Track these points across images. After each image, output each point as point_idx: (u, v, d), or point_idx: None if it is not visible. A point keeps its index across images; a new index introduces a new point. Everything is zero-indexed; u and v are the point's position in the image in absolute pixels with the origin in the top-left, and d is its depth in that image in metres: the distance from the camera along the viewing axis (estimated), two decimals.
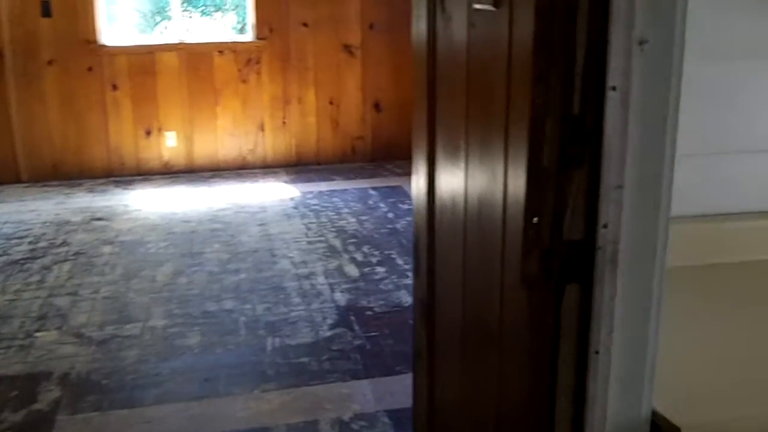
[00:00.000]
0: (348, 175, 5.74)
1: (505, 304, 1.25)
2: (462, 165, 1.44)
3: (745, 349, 1.32)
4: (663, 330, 1.11)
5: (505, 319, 1.26)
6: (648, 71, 1.00)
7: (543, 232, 1.07)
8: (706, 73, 1.61)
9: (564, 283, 1.08)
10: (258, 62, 5.84)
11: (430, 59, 1.60)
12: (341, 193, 5.27)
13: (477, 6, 1.29)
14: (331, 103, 6.02)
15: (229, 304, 3.48)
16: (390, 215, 4.76)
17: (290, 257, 4.07)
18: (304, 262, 3.99)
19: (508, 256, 1.20)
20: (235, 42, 5.97)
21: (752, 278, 1.61)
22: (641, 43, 0.99)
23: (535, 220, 1.07)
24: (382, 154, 6.04)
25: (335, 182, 5.55)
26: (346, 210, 4.88)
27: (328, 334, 3.18)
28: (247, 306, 3.46)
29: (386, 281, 3.72)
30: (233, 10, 7.50)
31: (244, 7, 6.25)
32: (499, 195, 1.21)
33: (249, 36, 5.93)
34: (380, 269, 3.88)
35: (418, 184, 1.70)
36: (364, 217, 4.73)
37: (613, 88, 1.00)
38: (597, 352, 1.10)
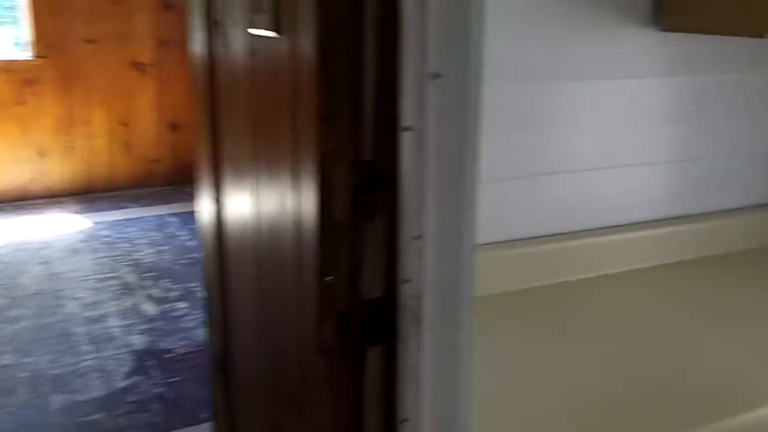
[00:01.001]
0: (144, 201, 5.38)
1: (304, 368, 1.11)
2: (251, 209, 1.29)
3: (563, 378, 1.27)
4: (476, 375, 1.02)
5: (306, 383, 1.12)
6: (444, 108, 0.90)
7: (338, 292, 0.94)
8: (502, 96, 1.57)
9: (366, 346, 0.96)
10: (37, 83, 5.35)
11: (210, 87, 1.44)
12: (137, 221, 4.92)
13: (254, 32, 1.14)
14: (122, 124, 5.64)
15: (6, 359, 3.09)
16: (190, 243, 4.48)
17: (78, 298, 3.70)
18: (95, 304, 3.64)
19: (302, 317, 1.06)
20: (10, 61, 5.42)
21: (558, 302, 1.58)
22: (435, 77, 0.88)
23: (329, 279, 0.94)
24: (180, 177, 5.73)
25: (130, 210, 5.18)
26: (143, 240, 4.55)
27: (124, 384, 2.90)
28: (29, 359, 3.08)
29: (188, 318, 3.47)
30: (12, 24, 6.86)
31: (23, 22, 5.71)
32: (289, 248, 1.07)
33: (27, 54, 5.41)
34: (181, 305, 3.62)
35: (204, 220, 1.53)
36: (162, 248, 4.43)
37: (407, 129, 0.89)
38: (405, 420, 0.98)
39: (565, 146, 1.68)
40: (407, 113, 0.89)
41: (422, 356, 0.96)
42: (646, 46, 1.70)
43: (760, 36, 1.42)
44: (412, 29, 0.86)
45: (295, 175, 1.04)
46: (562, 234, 1.73)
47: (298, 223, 1.05)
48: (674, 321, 1.53)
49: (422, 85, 0.88)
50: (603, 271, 1.75)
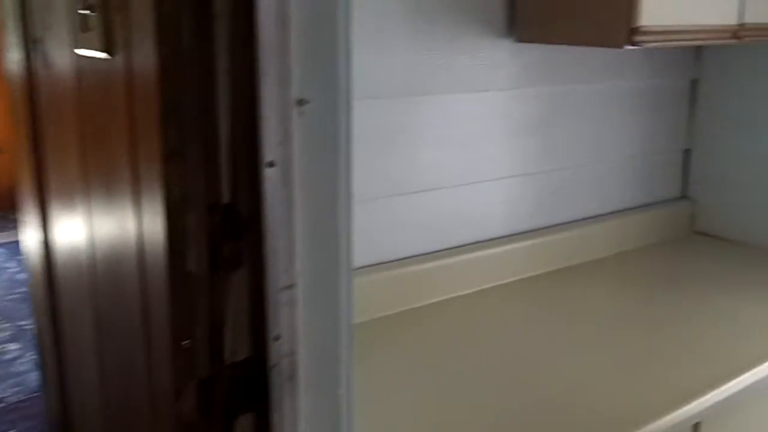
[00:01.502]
0: None
1: None
2: (86, 246, 1.12)
3: (442, 406, 1.18)
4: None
5: None
6: (311, 138, 0.79)
7: (198, 356, 0.80)
8: (362, 113, 1.47)
9: (233, 417, 0.83)
10: None
11: (31, 109, 1.25)
12: None
13: (81, 52, 0.98)
14: None
15: None
16: (21, 276, 4.10)
17: None
18: None
19: (155, 383, 0.91)
20: None
21: (431, 324, 1.50)
22: (300, 103, 0.77)
23: (186, 343, 0.80)
24: (5, 203, 5.25)
25: None
26: None
27: None
28: None
29: (21, 361, 3.15)
30: None
31: None
32: (135, 301, 0.91)
33: None
34: (12, 346, 3.28)
35: (31, 254, 1.33)
36: None
37: (271, 164, 0.77)
38: None
39: (429, 163, 1.61)
40: (269, 146, 0.77)
41: (299, 422, 0.84)
42: (504, 58, 1.66)
43: (617, 47, 1.40)
44: (271, 49, 0.74)
45: (139, 218, 0.89)
46: (433, 253, 1.66)
47: (144, 274, 0.90)
48: (546, 333, 1.50)
49: (285, 112, 0.76)
50: (474, 287, 1.70)
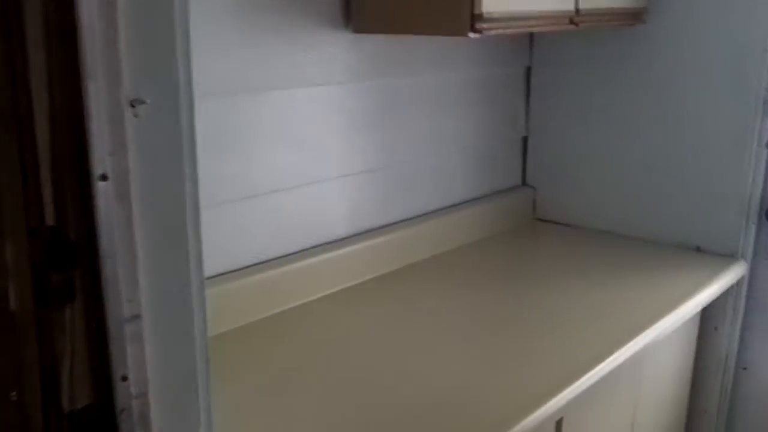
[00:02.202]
0: None
1: None
2: None
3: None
4: None
5: None
6: (149, 144, 0.68)
7: (30, 410, 0.67)
8: (198, 113, 1.36)
9: None
10: None
11: None
12: None
13: None
14: None
15: None
16: None
17: None
18: None
19: None
20: None
21: (283, 333, 1.42)
22: (135, 104, 0.66)
23: (14, 395, 0.67)
24: None
25: None
26: None
27: None
28: None
29: None
30: None
31: None
32: None
33: None
34: None
35: None
36: None
37: (103, 177, 0.65)
38: None
39: (271, 163, 1.52)
40: (100, 156, 0.65)
41: None
42: (341, 51, 1.60)
43: (460, 35, 1.38)
44: (95, 41, 0.62)
45: None
46: (278, 258, 1.57)
47: None
48: (402, 335, 1.45)
49: (117, 115, 0.65)
50: (324, 291, 1.63)
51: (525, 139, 2.15)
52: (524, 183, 2.18)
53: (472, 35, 1.36)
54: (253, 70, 1.44)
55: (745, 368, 1.98)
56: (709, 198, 1.89)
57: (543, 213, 2.17)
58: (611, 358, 1.36)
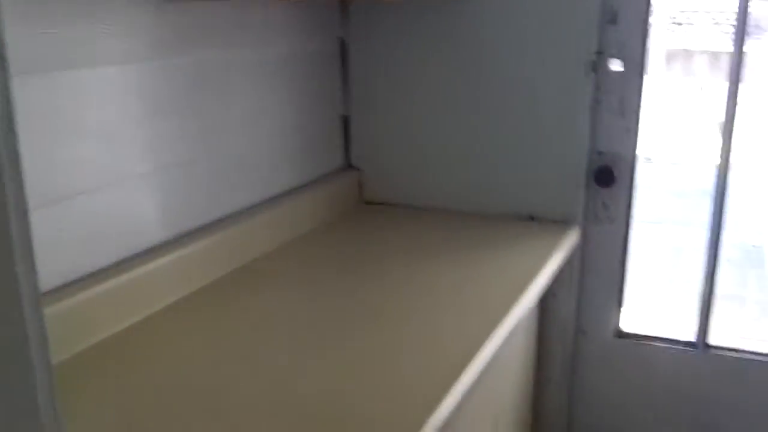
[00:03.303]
0: None
1: None
2: None
3: None
4: None
5: None
6: None
7: None
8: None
9: None
10: None
11: None
12: None
13: None
14: None
15: None
16: None
17: None
18: None
19: None
20: None
21: (114, 359, 1.17)
22: None
23: None
24: None
25: None
26: None
27: None
28: None
29: None
30: None
31: None
32: None
33: None
34: None
35: None
36: None
37: None
38: None
39: (71, 159, 1.25)
40: None
41: None
42: (144, 22, 1.36)
43: None
44: None
45: None
46: (89, 276, 1.30)
47: None
48: (241, 345, 1.25)
49: None
50: (143, 312, 1.38)
51: (346, 119, 2.01)
52: (349, 165, 2.05)
53: None
54: (41, 47, 1.17)
55: (584, 332, 1.99)
56: (540, 166, 1.87)
57: (371, 195, 2.05)
58: (488, 344, 1.25)
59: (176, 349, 1.25)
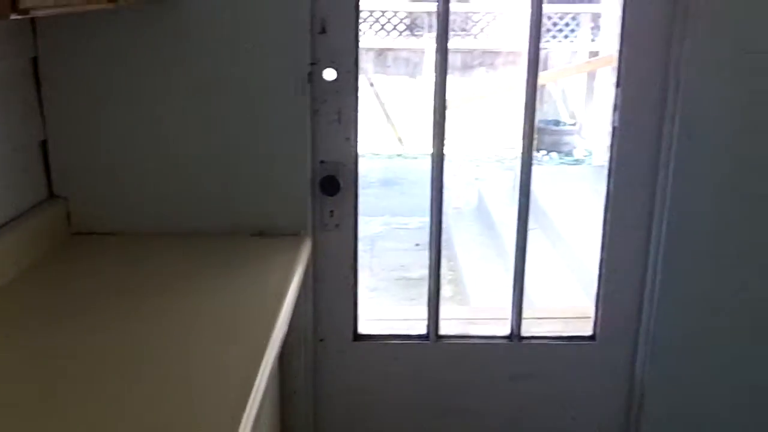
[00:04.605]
0: None
1: None
2: None
3: None
4: None
5: None
6: None
7: None
8: None
9: None
10: None
11: None
12: None
13: None
14: None
15: None
16: None
17: None
18: None
19: None
20: None
21: None
22: None
23: None
24: None
25: None
26: None
27: None
28: None
29: None
30: None
31: None
32: None
33: None
34: None
35: None
36: None
37: None
38: None
39: None
40: None
41: None
42: None
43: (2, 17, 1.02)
44: None
45: None
46: None
47: None
48: None
49: None
50: None
51: (44, 143, 1.78)
52: (52, 195, 1.82)
53: (16, 17, 1.02)
54: None
55: (323, 340, 2.00)
56: (265, 179, 1.82)
57: (80, 226, 1.85)
58: (259, 378, 1.19)
59: None
